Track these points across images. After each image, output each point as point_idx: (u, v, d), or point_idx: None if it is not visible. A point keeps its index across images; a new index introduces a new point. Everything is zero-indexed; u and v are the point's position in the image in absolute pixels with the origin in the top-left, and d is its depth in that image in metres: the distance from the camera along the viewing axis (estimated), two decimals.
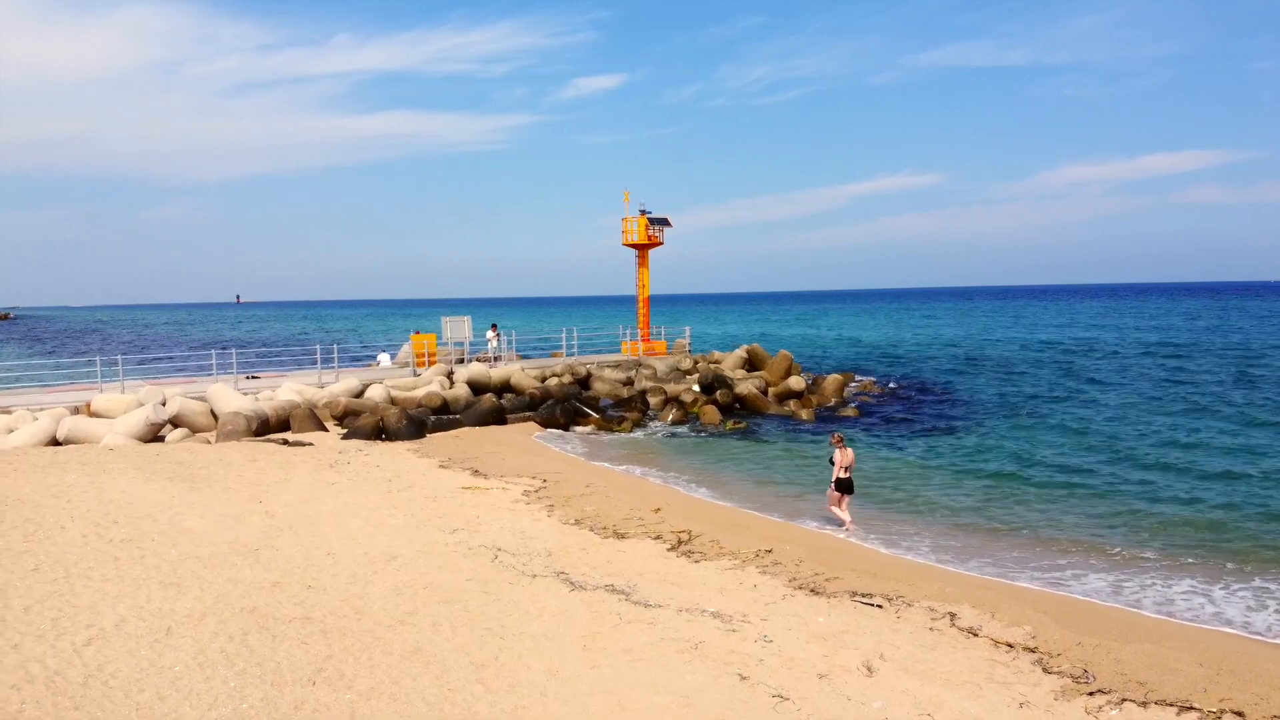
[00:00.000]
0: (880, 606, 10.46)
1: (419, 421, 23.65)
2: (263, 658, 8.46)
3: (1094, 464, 20.86)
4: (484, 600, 10.37)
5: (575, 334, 37.71)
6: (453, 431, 24.39)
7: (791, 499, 17.37)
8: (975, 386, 37.78)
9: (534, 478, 17.49)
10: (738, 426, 26.51)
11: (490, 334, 33.89)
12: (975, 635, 9.64)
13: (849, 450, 15.62)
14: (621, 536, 13.24)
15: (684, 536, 13.11)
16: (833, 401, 31.28)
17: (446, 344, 32.83)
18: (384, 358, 36.86)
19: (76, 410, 23.88)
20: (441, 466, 18.79)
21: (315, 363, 30.57)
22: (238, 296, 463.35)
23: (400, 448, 21.49)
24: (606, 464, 20.60)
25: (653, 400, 29.68)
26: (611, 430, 26.35)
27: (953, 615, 10.14)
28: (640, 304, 39.58)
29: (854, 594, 10.82)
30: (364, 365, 38.21)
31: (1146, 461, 21.10)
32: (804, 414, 28.56)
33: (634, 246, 38.90)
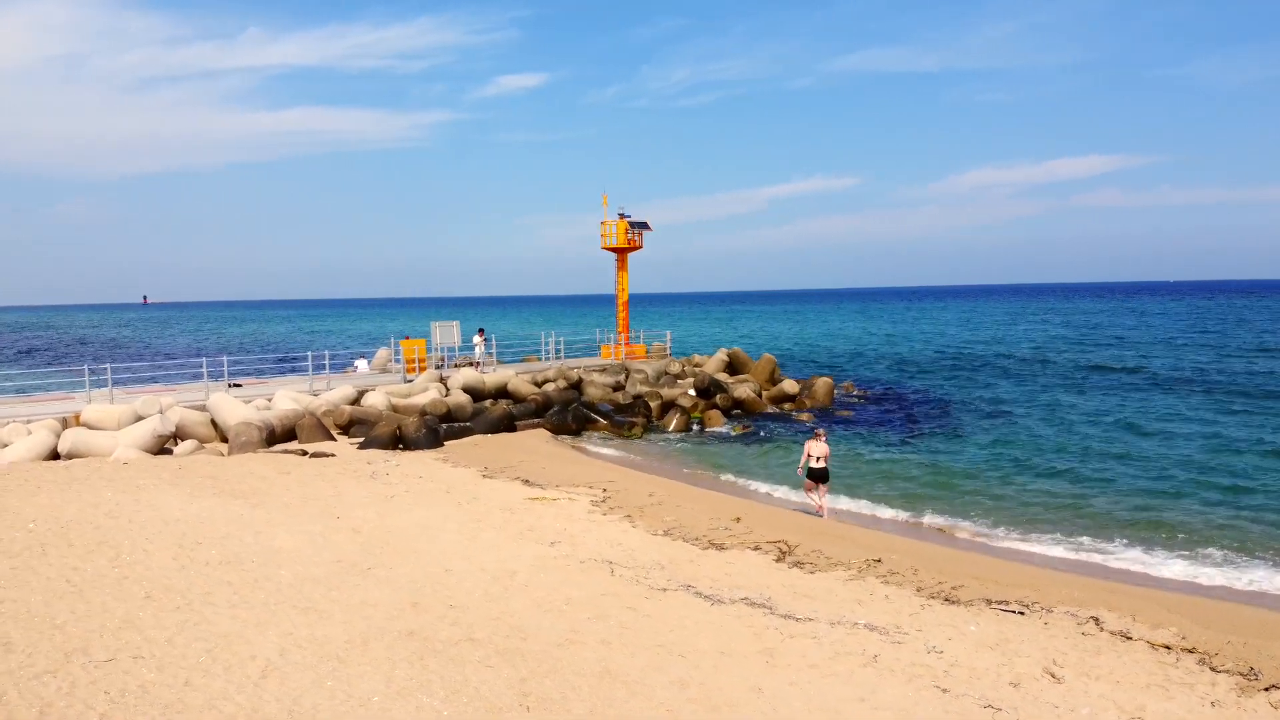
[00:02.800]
0: (1022, 614, 10.65)
1: (434, 430, 23.13)
2: (456, 684, 8.18)
3: (1106, 459, 21.65)
4: (633, 616, 10.21)
5: (555, 337, 37.52)
6: (469, 439, 23.94)
7: (870, 504, 17.92)
8: (947, 386, 38.72)
9: (590, 487, 17.29)
10: (746, 430, 26.67)
11: (477, 339, 33.32)
12: (1129, 639, 9.90)
13: (822, 444, 16.68)
14: (720, 548, 13.18)
15: (784, 547, 13.12)
16: (825, 404, 31.70)
17: (436, 349, 32.22)
18: (361, 364, 35.98)
19: (64, 421, 22.69)
20: (485, 476, 18.42)
21: (289, 370, 29.66)
22: (144, 297, 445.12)
23: (426, 457, 20.99)
24: (649, 472, 20.52)
25: (653, 405, 29.61)
26: (622, 436, 26.21)
27: (1096, 620, 10.40)
28: (620, 307, 39.48)
29: (988, 601, 10.99)
30: (339, 372, 37.22)
31: (1160, 453, 22.02)
32: (804, 416, 28.93)
33: (613, 250, 38.78)
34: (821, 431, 17.29)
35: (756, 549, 13.08)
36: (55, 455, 20.85)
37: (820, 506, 16.71)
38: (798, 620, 10.20)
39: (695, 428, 27.75)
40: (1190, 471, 20.36)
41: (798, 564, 12.38)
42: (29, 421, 21.99)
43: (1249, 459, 21.65)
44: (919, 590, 11.39)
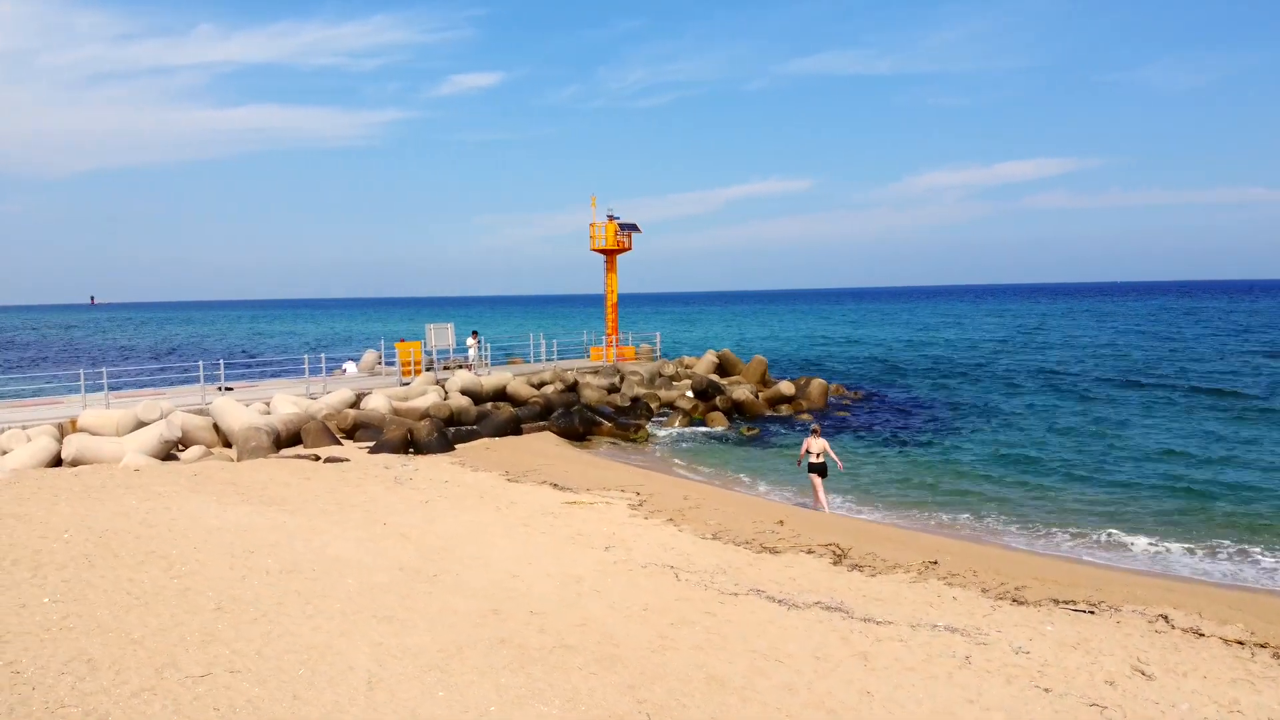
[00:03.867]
0: (1092, 613, 10.84)
1: (445, 434, 22.90)
2: (567, 692, 8.10)
3: (1110, 458, 22.14)
4: (714, 621, 10.20)
5: (544, 339, 37.45)
6: (477, 442, 23.72)
7: (894, 506, 18.14)
8: (928, 387, 39.30)
9: (622, 491, 17.24)
10: (752, 433, 26.78)
11: (470, 341, 33.08)
12: (1201, 635, 10.13)
13: (820, 439, 17.46)
14: (774, 551, 13.22)
15: (837, 550, 13.19)
16: (820, 405, 31.96)
17: (431, 352, 31.92)
18: (350, 366, 35.54)
19: (60, 426, 22.10)
20: (510, 480, 18.28)
21: (274, 373, 29.15)
22: (92, 298, 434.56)
23: (441, 461, 20.78)
24: (671, 474, 20.54)
25: (653, 407, 29.60)
26: (628, 439, 26.17)
27: (1165, 618, 10.62)
28: (609, 309, 39.42)
29: (1056, 601, 11.16)
30: (328, 374, 36.73)
31: (1152, 451, 22.58)
32: (804, 417, 29.13)
33: (602, 252, 38.73)
34: (818, 427, 18.20)
35: (810, 552, 13.15)
36: (57, 462, 20.30)
37: (819, 501, 17.42)
38: (878, 623, 10.27)
39: (696, 430, 27.79)
40: (1189, 470, 20.90)
41: (856, 567, 12.47)
42: (25, 427, 21.40)
43: (1247, 456, 22.27)
44: (984, 591, 11.54)
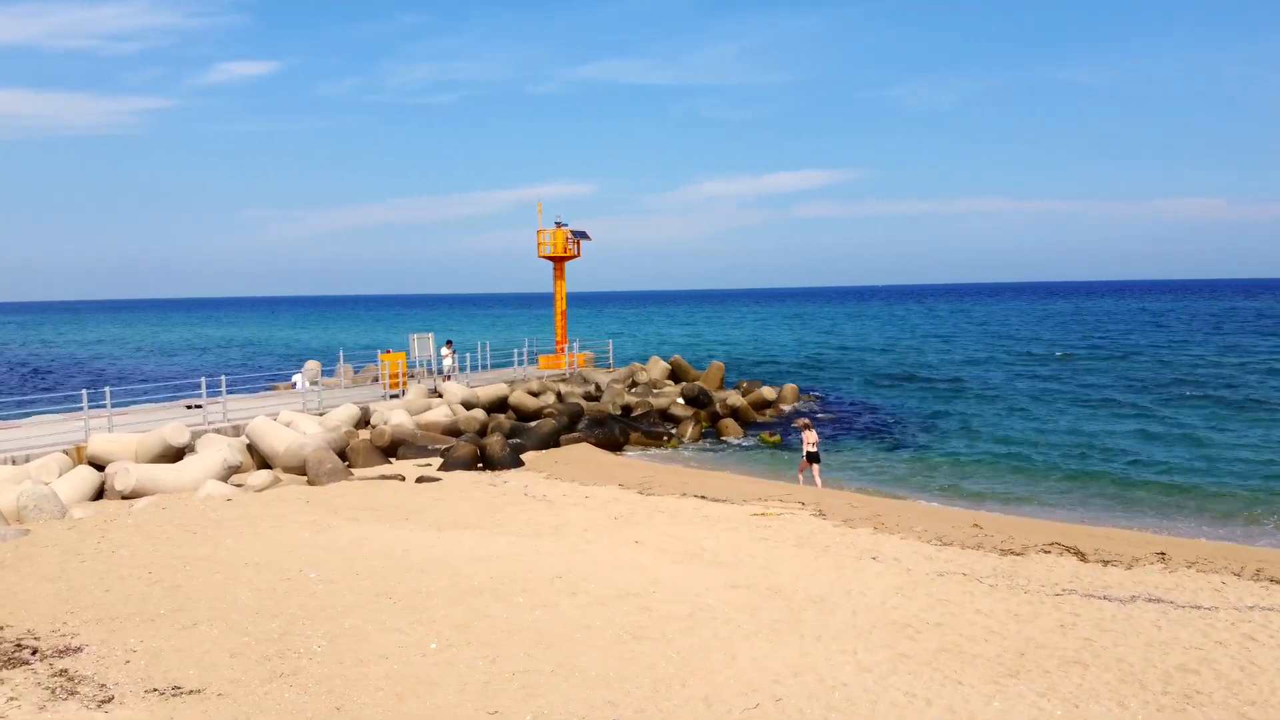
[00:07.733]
0: None
1: (514, 449, 22.08)
2: (1053, 695, 8.47)
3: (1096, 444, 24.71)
4: (1086, 622, 10.57)
5: (487, 346, 36.60)
6: (530, 454, 22.97)
7: (1036, 505, 19.80)
8: (858, 387, 41.69)
9: (780, 501, 17.46)
10: (774, 439, 27.47)
11: (446, 351, 31.78)
12: None
13: (813, 433, 21.17)
14: (1016, 554, 13.85)
15: (1071, 548, 14.09)
16: (802, 408, 33.20)
17: (415, 363, 30.44)
18: (299, 379, 33.17)
19: (66, 452, 19.56)
20: (641, 494, 18.07)
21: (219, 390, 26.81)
22: None
23: (532, 476, 20.15)
24: (780, 481, 21.08)
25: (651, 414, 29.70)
26: (660, 447, 26.21)
27: None
28: (558, 316, 38.89)
29: None
30: (261, 391, 34.18)
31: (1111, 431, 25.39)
32: (802, 421, 30.14)
33: (551, 259, 38.19)
34: (809, 422, 21.87)
35: (1045, 552, 13.95)
36: (99, 494, 17.95)
37: (816, 482, 20.43)
38: (1207, 609, 11.23)
39: (721, 441, 28.17)
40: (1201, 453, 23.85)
41: (1105, 563, 13.39)
42: (29, 456, 18.79)
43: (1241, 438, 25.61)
44: (1237, 575, 12.76)
